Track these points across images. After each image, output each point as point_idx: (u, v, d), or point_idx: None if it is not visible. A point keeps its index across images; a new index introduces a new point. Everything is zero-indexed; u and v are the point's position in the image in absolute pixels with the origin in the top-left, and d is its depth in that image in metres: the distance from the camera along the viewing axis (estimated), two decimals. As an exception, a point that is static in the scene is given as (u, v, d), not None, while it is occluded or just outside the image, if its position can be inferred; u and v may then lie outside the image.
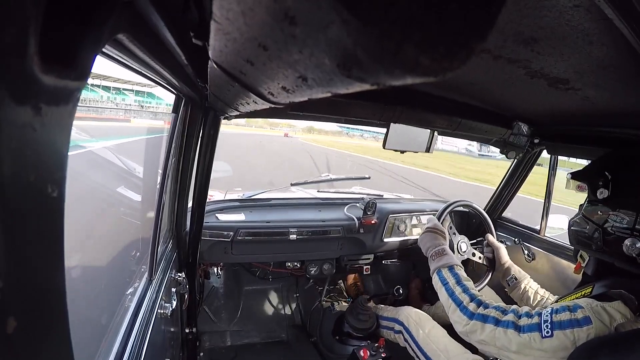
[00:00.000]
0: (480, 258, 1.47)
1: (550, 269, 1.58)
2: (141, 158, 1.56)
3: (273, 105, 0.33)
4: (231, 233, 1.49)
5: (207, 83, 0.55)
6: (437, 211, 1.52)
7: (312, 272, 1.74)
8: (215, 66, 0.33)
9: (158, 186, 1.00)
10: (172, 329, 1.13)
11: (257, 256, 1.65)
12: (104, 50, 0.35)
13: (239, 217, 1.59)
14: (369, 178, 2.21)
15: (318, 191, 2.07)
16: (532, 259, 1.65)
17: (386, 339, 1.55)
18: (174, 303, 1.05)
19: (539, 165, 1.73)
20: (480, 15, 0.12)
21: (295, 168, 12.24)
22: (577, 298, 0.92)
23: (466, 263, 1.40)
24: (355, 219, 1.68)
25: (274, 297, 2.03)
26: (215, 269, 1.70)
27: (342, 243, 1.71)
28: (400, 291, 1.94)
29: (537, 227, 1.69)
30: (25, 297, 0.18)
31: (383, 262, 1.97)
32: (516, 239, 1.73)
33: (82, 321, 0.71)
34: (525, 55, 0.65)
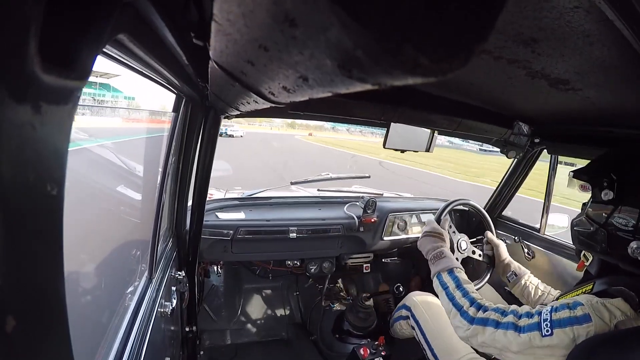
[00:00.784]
0: (480, 256, 1.47)
1: (550, 267, 1.58)
2: (141, 157, 1.55)
3: (274, 105, 0.33)
4: (231, 231, 1.49)
5: (208, 83, 0.55)
6: (437, 209, 1.52)
7: (312, 270, 1.74)
8: (216, 66, 0.33)
9: (158, 185, 1.00)
10: (172, 328, 1.14)
11: (257, 254, 1.65)
12: (104, 50, 0.35)
13: (239, 215, 1.59)
14: (369, 177, 2.21)
15: (318, 190, 2.07)
16: (532, 257, 1.65)
17: (397, 335, 1.56)
18: (174, 302, 1.05)
19: (542, 161, 1.72)
20: (481, 17, 0.12)
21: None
22: (577, 295, 0.92)
23: (467, 261, 1.40)
24: (355, 218, 1.69)
25: (274, 295, 2.03)
26: (215, 268, 1.70)
27: (342, 241, 1.72)
28: (401, 289, 1.94)
29: (537, 226, 1.69)
30: (25, 296, 0.18)
31: (383, 260, 1.98)
32: (516, 238, 1.73)
33: (82, 320, 0.71)
34: (525, 56, 0.65)
